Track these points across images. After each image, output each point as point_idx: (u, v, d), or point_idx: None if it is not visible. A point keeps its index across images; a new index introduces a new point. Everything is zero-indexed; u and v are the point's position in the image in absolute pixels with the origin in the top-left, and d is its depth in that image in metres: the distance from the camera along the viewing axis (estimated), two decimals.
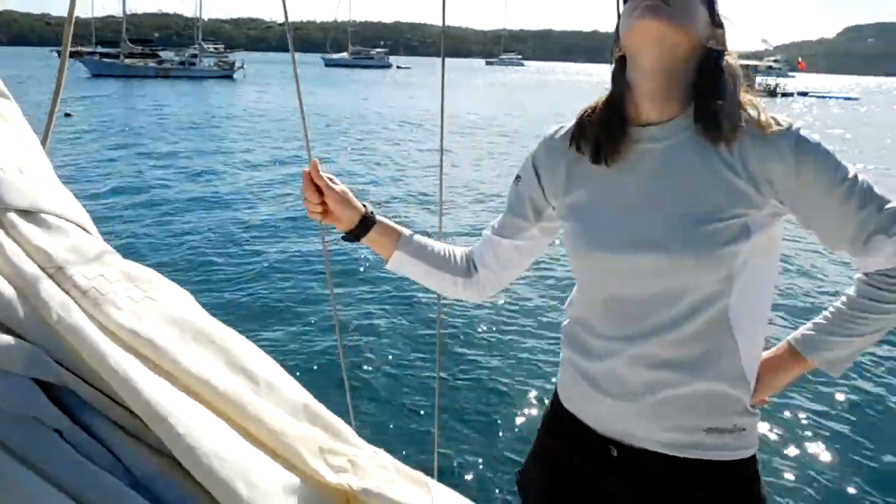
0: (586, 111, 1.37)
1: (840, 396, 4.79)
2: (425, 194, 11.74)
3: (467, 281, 1.55)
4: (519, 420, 4.41)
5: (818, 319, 1.35)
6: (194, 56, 56.88)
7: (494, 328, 5.82)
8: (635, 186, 1.29)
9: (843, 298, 1.33)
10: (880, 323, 1.28)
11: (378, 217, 1.51)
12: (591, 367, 1.37)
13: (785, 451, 4.14)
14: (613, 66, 1.35)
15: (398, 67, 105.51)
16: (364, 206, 1.50)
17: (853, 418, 4.55)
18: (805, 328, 1.37)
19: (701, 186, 1.24)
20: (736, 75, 1.28)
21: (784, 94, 69.41)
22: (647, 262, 1.25)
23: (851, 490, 3.83)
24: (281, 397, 0.64)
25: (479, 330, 5.76)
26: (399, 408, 4.49)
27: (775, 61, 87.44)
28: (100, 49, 56.91)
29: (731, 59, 1.29)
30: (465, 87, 60.40)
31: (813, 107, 53.43)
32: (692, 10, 1.25)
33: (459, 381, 4.86)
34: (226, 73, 54.36)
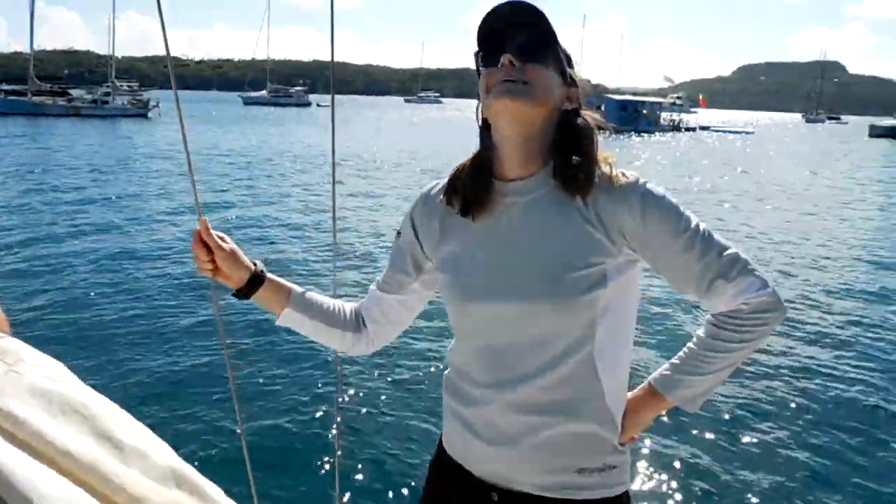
0: (458, 168, 1.44)
1: (709, 433, 4.98)
2: (350, 243, 11.14)
3: (356, 336, 1.60)
4: (418, 465, 4.40)
5: (674, 359, 1.43)
6: (107, 94, 55.25)
7: (392, 376, 5.80)
8: (501, 239, 1.36)
9: (694, 339, 1.41)
10: (728, 360, 1.36)
11: (268, 275, 1.54)
12: (468, 413, 1.43)
13: (655, 486, 4.29)
14: (479, 125, 1.43)
15: (318, 105, 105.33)
16: (254, 263, 1.53)
17: (721, 451, 4.74)
18: (663, 368, 1.44)
19: (561, 238, 1.31)
20: (591, 132, 1.37)
21: (687, 129, 72.77)
22: (514, 310, 1.32)
23: None
24: (149, 463, 0.64)
25: (378, 378, 5.75)
26: (299, 465, 4.41)
27: (678, 98, 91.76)
28: (5, 86, 54.76)
29: (587, 117, 1.38)
30: (386, 124, 60.89)
31: (715, 141, 56.18)
32: (548, 81, 1.32)
33: (359, 431, 4.85)
34: (140, 112, 53.05)
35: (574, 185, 1.31)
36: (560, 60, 1.34)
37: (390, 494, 4.13)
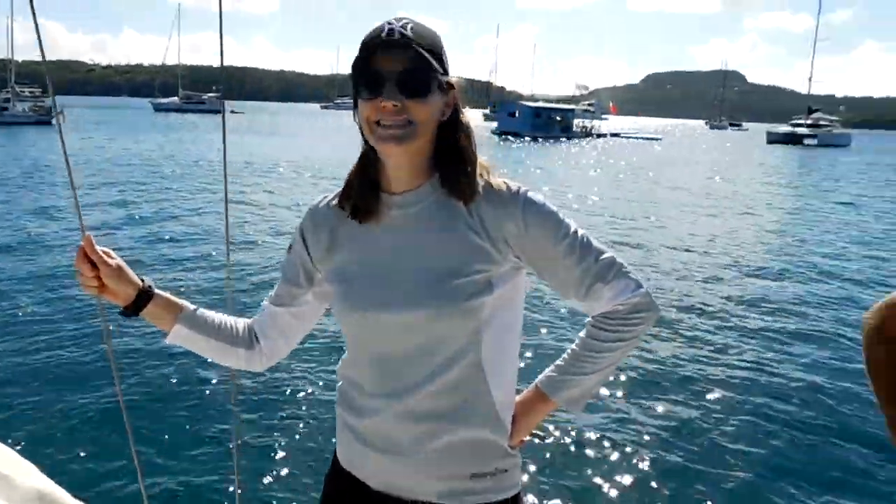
0: (351, 173, 1.45)
1: (597, 432, 5.16)
2: (253, 256, 10.80)
3: (250, 352, 1.58)
4: (317, 481, 4.16)
5: (558, 362, 1.48)
6: (6, 100, 52.75)
7: (288, 392, 5.76)
8: (389, 249, 1.39)
9: (576, 341, 1.46)
10: (609, 359, 1.42)
11: (157, 291, 1.50)
12: (361, 424, 1.44)
13: (546, 487, 4.40)
14: (362, 137, 1.40)
15: (232, 112, 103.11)
16: (142, 280, 1.50)
17: (611, 449, 4.92)
18: (548, 370, 1.48)
19: (447, 246, 1.34)
20: (470, 137, 1.39)
21: (599, 135, 74.92)
22: (401, 319, 1.34)
23: None
24: (12, 486, 0.60)
25: (274, 395, 5.68)
26: (197, 491, 4.31)
27: (590, 105, 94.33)
28: None
29: (465, 119, 1.40)
30: (306, 130, 60.21)
31: (626, 147, 58.16)
32: (430, 112, 1.32)
33: (258, 451, 4.77)
34: (43, 119, 50.76)
35: (460, 191, 1.35)
36: (438, 77, 1.32)
37: None
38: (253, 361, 1.59)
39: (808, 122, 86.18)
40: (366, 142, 1.39)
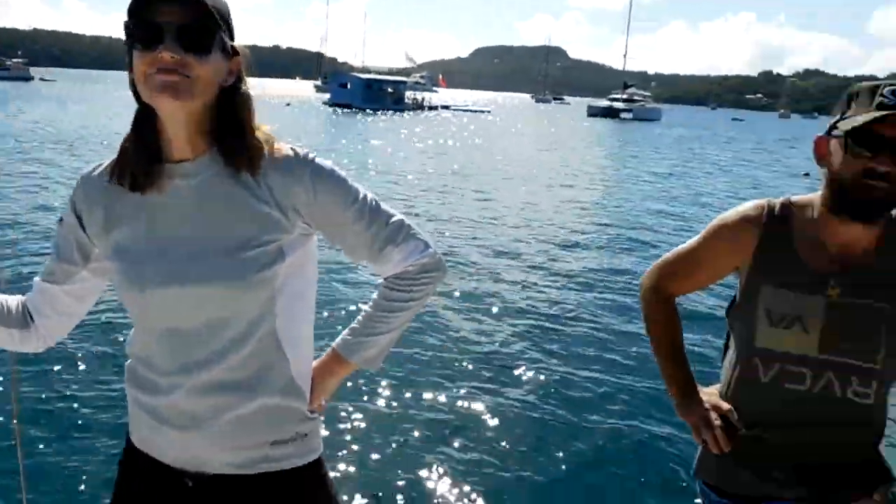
0: (125, 141, 1.35)
1: (398, 392, 5.25)
2: (35, 229, 9.94)
3: (24, 333, 1.48)
4: (110, 463, 3.82)
5: (353, 324, 1.50)
6: None
7: (73, 372, 5.38)
8: (172, 222, 1.32)
9: (370, 303, 1.49)
10: (401, 318, 1.47)
11: None
12: (154, 402, 1.39)
13: (348, 448, 4.45)
14: (136, 100, 1.31)
15: (41, 80, 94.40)
16: None
17: (414, 410, 5.02)
18: (344, 333, 1.51)
19: (234, 217, 1.30)
20: (251, 109, 1.35)
21: (430, 108, 75.98)
22: (190, 294, 1.29)
23: (413, 482, 4.18)
24: None
25: (59, 376, 5.28)
26: None
27: (422, 77, 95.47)
28: None
29: (246, 90, 1.34)
30: (119, 98, 56.31)
31: (456, 119, 59.36)
32: (211, 71, 1.25)
33: (43, 440, 4.40)
34: None
35: (238, 162, 1.31)
36: (222, 38, 1.27)
37: (84, 499, 3.91)
38: (28, 342, 1.50)
39: (624, 96, 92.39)
40: (141, 105, 1.30)
